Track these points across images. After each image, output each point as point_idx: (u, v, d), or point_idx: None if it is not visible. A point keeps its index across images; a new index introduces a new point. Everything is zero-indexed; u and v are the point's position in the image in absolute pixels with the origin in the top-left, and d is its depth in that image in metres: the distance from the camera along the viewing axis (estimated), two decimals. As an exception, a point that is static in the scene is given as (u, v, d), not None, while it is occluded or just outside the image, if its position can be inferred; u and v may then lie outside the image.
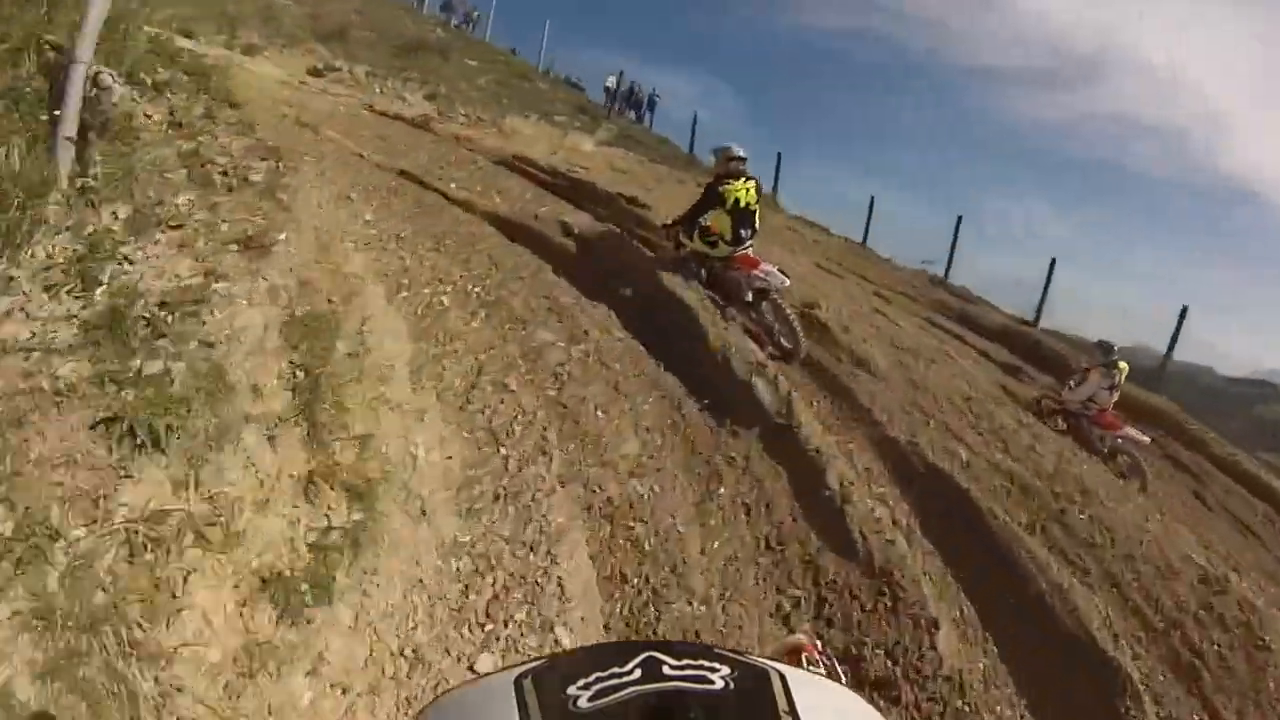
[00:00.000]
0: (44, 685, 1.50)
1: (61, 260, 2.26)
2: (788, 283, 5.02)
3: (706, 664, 0.37)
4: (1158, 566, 4.09)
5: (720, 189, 4.98)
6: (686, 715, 0.34)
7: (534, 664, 0.39)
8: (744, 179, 5.04)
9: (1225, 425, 8.85)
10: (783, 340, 5.08)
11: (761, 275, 4.94)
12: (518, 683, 0.37)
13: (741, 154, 5.11)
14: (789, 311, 5.06)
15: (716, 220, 5.02)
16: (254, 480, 2.17)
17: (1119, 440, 6.22)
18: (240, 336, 2.40)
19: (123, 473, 1.87)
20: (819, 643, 0.82)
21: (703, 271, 5.17)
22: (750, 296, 5.05)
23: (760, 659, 0.40)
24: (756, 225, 5.10)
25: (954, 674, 3.10)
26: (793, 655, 0.80)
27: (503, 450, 3.27)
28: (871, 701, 0.40)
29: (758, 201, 5.08)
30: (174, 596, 1.80)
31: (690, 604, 3.06)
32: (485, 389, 3.59)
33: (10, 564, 1.58)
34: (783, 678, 0.38)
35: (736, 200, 4.94)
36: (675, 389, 4.27)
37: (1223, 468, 7.23)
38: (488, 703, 0.38)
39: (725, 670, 0.37)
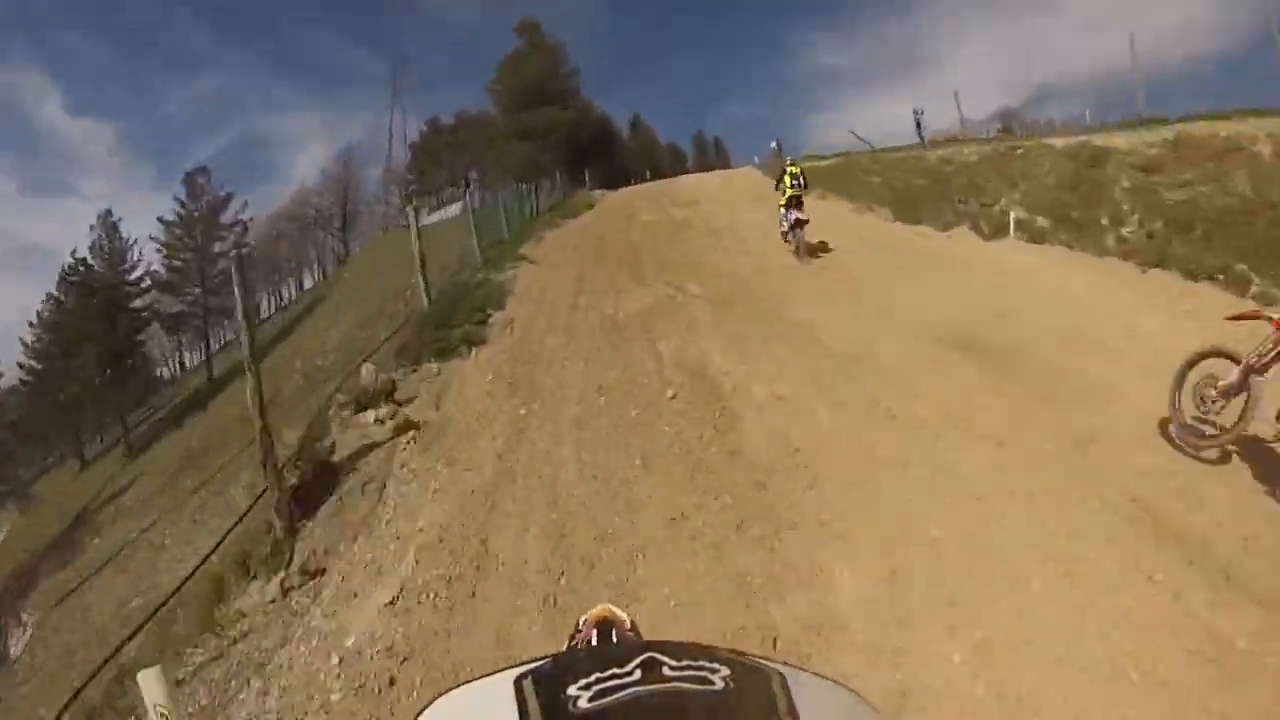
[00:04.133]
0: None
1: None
2: (807, 220, 11.05)
3: (706, 664, 0.39)
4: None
5: (781, 174, 11.75)
6: (686, 716, 0.36)
7: (534, 664, 0.41)
8: (789, 164, 11.94)
9: None
10: (800, 248, 10.97)
11: (799, 217, 10.98)
12: (517, 683, 0.39)
13: (788, 160, 12.70)
14: (805, 235, 11.04)
15: (790, 186, 11.33)
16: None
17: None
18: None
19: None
20: (624, 614, 0.95)
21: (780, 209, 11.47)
22: (792, 224, 11.04)
23: (761, 659, 0.42)
24: (801, 188, 11.35)
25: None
26: (601, 623, 0.96)
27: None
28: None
29: (800, 175, 11.55)
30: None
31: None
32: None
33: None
34: (782, 678, 0.40)
35: (787, 174, 11.52)
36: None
37: None
38: (487, 703, 0.39)
39: (725, 671, 0.39)
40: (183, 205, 43.72)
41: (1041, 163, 13.79)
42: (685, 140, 66.83)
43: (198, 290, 42.41)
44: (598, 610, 0.97)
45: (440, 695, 0.42)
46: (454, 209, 48.07)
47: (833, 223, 15.13)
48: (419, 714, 0.41)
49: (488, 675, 0.42)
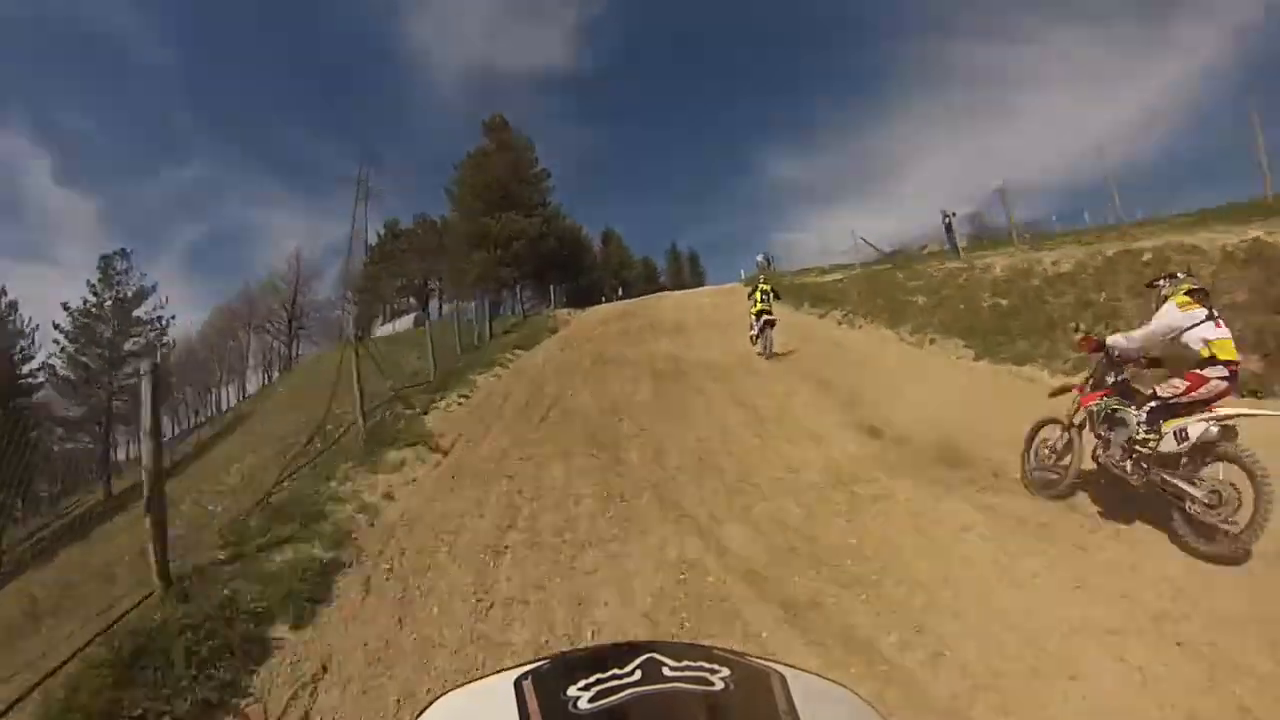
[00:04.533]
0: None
1: None
2: (775, 323, 12.04)
3: (706, 665, 0.39)
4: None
5: (754, 290, 12.64)
6: (686, 717, 0.36)
7: (535, 665, 0.41)
8: (761, 282, 12.84)
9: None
10: (767, 347, 11.78)
11: (768, 318, 11.91)
12: (518, 684, 0.38)
13: (761, 278, 15.35)
14: (773, 337, 11.87)
15: (760, 300, 12.16)
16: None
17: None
18: None
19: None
20: None
21: (751, 319, 12.30)
22: (761, 326, 11.92)
23: (761, 660, 0.42)
24: (770, 302, 12.14)
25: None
26: None
27: None
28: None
29: (770, 290, 12.33)
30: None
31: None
32: None
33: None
34: (782, 678, 0.40)
35: (759, 290, 12.29)
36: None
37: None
38: (488, 703, 0.39)
39: (725, 671, 0.38)
40: (95, 293, 37.68)
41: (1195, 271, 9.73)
42: (659, 256, 64.38)
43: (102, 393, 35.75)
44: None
45: (441, 695, 0.41)
46: (405, 321, 43.53)
47: (894, 363, 10.69)
48: (420, 713, 0.40)
49: (489, 675, 0.40)
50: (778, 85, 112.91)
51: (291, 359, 53.74)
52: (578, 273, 37.86)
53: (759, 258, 34.80)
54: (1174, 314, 4.35)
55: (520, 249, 31.88)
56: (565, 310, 25.32)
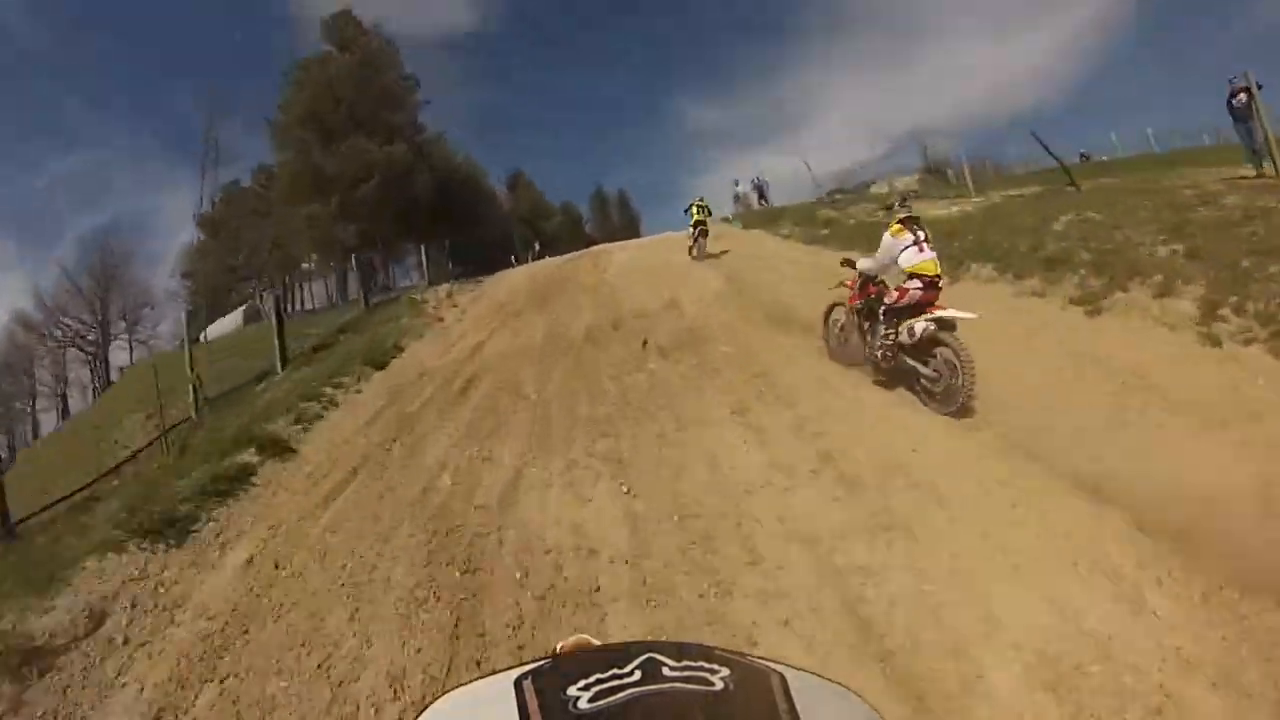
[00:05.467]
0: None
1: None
2: (709, 234, 13.37)
3: (706, 665, 0.39)
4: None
5: (690, 206, 14.05)
6: (686, 717, 0.36)
7: (534, 665, 0.41)
8: (699, 200, 14.01)
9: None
10: (702, 250, 13.07)
11: (702, 228, 13.27)
12: (518, 684, 0.38)
13: (699, 198, 14.17)
14: (706, 244, 13.14)
15: (697, 213, 13.70)
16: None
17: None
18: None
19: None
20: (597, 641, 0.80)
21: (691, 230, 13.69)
22: (696, 235, 13.26)
23: (761, 660, 0.42)
24: (706, 218, 13.61)
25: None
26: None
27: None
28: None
29: (706, 207, 13.91)
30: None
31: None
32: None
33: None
34: (782, 679, 0.39)
35: (695, 206, 13.79)
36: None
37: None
38: (487, 704, 0.39)
39: (725, 672, 0.38)
40: None
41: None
42: (581, 201, 52.86)
43: None
44: (573, 640, 0.86)
45: (440, 695, 0.41)
46: (235, 317, 31.36)
47: None
48: (419, 714, 0.40)
49: (488, 676, 0.41)
50: (692, 32, 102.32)
51: (108, 378, 40.30)
52: (473, 224, 26.39)
53: (740, 189, 24.76)
54: (888, 242, 5.64)
55: (371, 192, 20.26)
56: (447, 286, 14.55)
